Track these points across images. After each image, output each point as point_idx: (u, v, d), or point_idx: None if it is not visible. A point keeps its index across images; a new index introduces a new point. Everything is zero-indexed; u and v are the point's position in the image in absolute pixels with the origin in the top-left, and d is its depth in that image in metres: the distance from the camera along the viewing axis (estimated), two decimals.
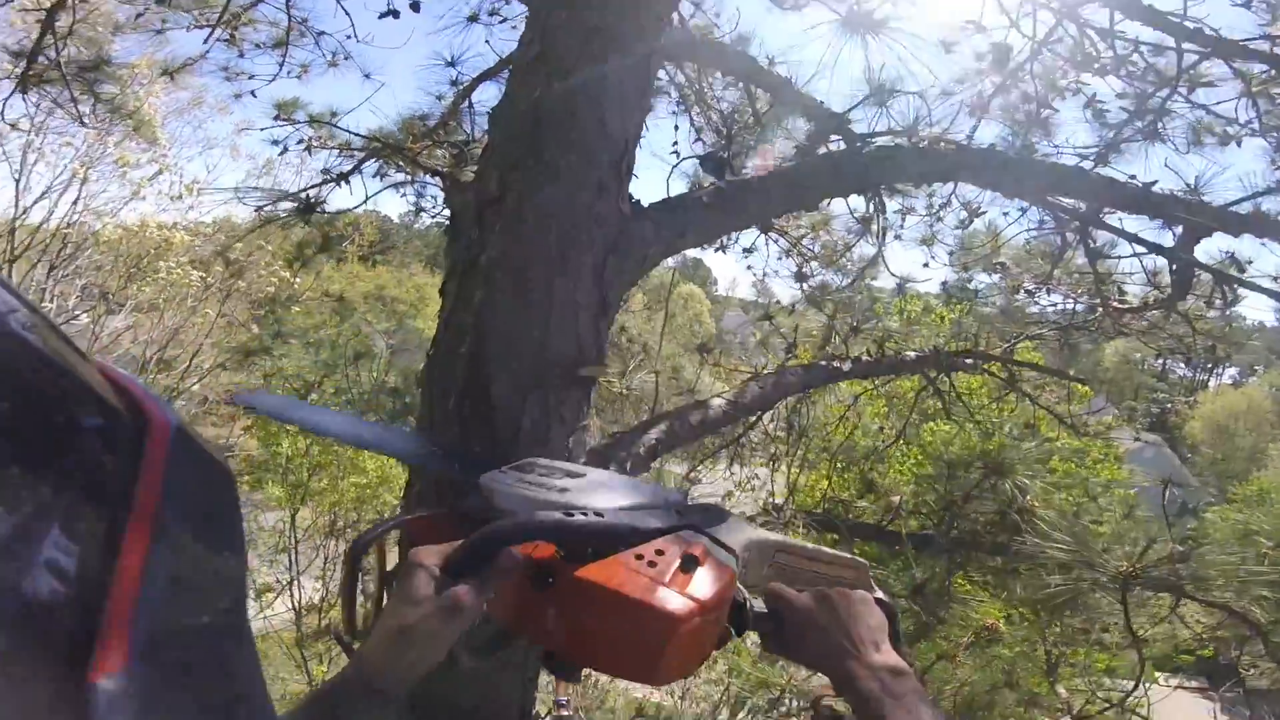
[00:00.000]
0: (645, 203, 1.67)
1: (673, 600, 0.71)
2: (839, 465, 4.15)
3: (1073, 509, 3.52)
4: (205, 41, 3.02)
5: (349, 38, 3.25)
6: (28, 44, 2.91)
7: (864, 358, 2.92)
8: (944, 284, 4.08)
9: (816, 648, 0.79)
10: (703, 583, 0.74)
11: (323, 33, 3.22)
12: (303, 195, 2.85)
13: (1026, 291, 3.63)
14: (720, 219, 1.77)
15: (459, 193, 1.76)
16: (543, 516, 0.78)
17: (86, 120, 3.34)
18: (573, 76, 1.46)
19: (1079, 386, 4.01)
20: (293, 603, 8.17)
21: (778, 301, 4.11)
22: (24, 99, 3.09)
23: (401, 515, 1.05)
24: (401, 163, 3.17)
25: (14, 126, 3.23)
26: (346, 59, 3.38)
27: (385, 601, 0.77)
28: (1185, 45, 2.21)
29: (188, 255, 9.55)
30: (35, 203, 8.70)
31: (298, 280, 9.40)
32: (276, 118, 3.24)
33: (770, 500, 3.29)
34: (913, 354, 3.21)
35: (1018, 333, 3.90)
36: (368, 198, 3.14)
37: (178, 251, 9.38)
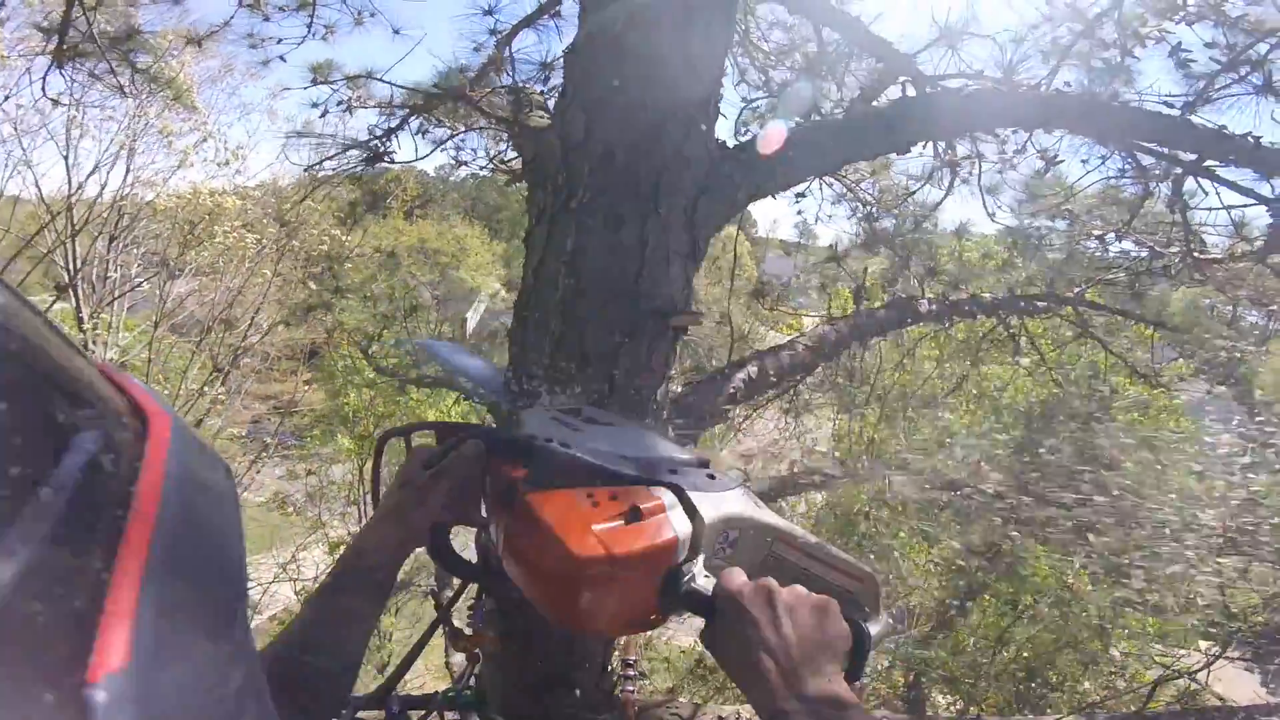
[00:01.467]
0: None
1: (581, 542, 0.69)
2: (908, 415, 4.05)
3: (1146, 467, 3.39)
4: (236, 5, 2.96)
5: None
6: (56, 19, 2.89)
7: (943, 300, 2.78)
8: (1008, 228, 3.86)
9: (741, 655, 0.65)
10: (629, 536, 0.71)
11: None
12: (371, 144, 2.80)
13: (1097, 238, 3.40)
14: (810, 160, 1.67)
15: (535, 137, 1.67)
16: (503, 433, 0.83)
17: (127, 90, 3.33)
18: (654, 10, 1.36)
19: (1146, 330, 3.80)
20: None
21: (833, 245, 3.98)
22: (61, 74, 3.02)
23: (430, 422, 1.07)
24: (443, 117, 3.11)
25: (56, 101, 3.23)
26: (372, 16, 3.29)
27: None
28: None
29: (240, 219, 9.73)
30: (88, 177, 8.86)
31: (348, 237, 9.54)
32: (313, 80, 3.19)
33: (836, 452, 3.24)
34: (989, 296, 3.06)
35: (1087, 277, 3.69)
36: (419, 156, 3.07)
37: (230, 216, 9.55)
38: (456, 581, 1.09)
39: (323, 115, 3.21)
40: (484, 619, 1.29)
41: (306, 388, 11.38)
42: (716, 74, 1.50)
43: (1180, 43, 2.51)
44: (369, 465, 0.92)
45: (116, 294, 9.06)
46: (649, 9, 1.37)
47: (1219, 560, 2.76)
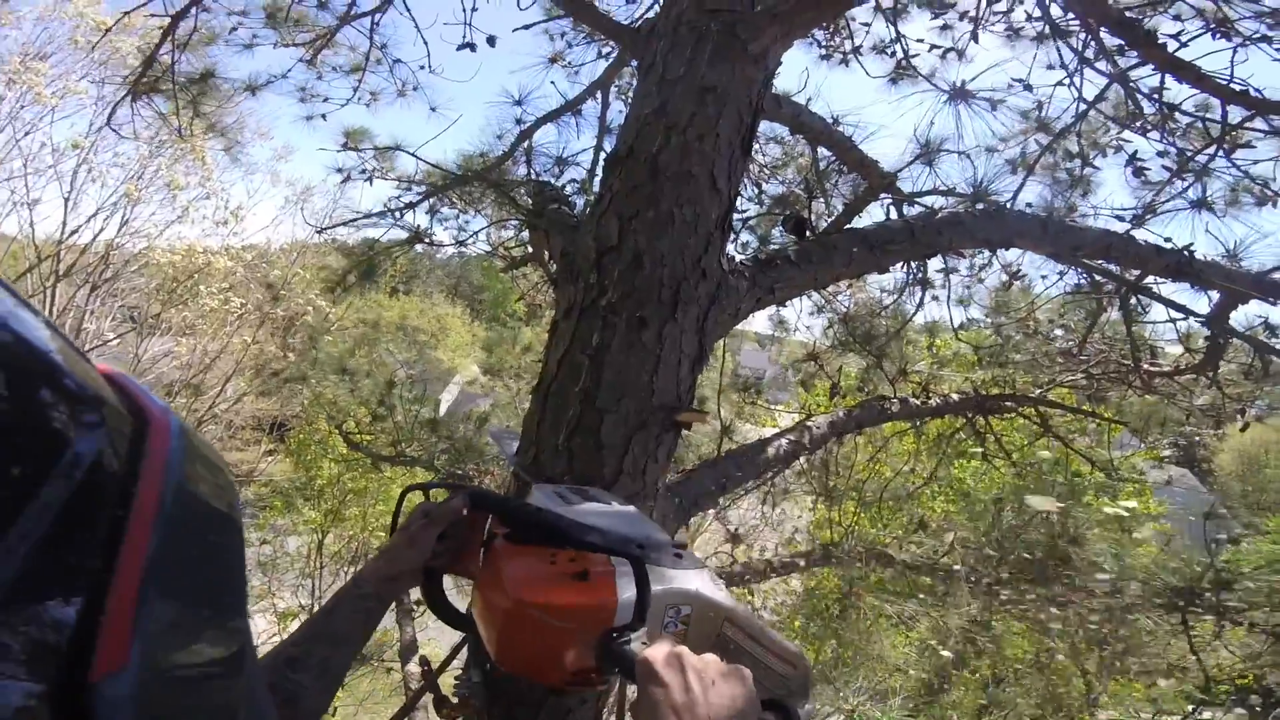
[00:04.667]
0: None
1: (525, 589, 0.77)
2: (872, 502, 4.21)
3: (1113, 543, 3.57)
4: (303, 60, 3.17)
5: (422, 68, 3.35)
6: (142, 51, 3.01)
7: (911, 400, 3.00)
8: (961, 325, 4.16)
9: (649, 717, 0.66)
10: (570, 590, 0.79)
11: (398, 60, 3.34)
12: (414, 226, 2.94)
13: (1061, 353, 3.70)
14: (805, 278, 1.85)
15: (567, 234, 1.83)
16: (491, 493, 0.92)
17: (183, 134, 3.42)
18: (688, 131, 1.56)
19: (1113, 426, 4.08)
20: None
21: (812, 345, 4.21)
22: (133, 106, 3.10)
23: (445, 480, 1.20)
24: (455, 199, 3.26)
25: (118, 133, 3.32)
26: (415, 90, 3.51)
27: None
28: (1230, 105, 2.32)
29: (226, 280, 9.78)
30: (86, 223, 8.92)
31: (331, 309, 9.64)
32: (345, 145, 3.34)
33: (810, 538, 3.35)
34: (956, 396, 3.30)
35: (1049, 379, 3.98)
36: (426, 238, 3.24)
37: (218, 277, 9.61)
38: (445, 650, 1.16)
39: (344, 182, 3.38)
40: (470, 689, 1.34)
41: (269, 459, 11.11)
42: (734, 192, 1.69)
43: (1136, 151, 2.89)
44: (394, 512, 1.04)
45: (88, 347, 8.93)
46: (686, 134, 1.58)
47: (1192, 625, 2.90)
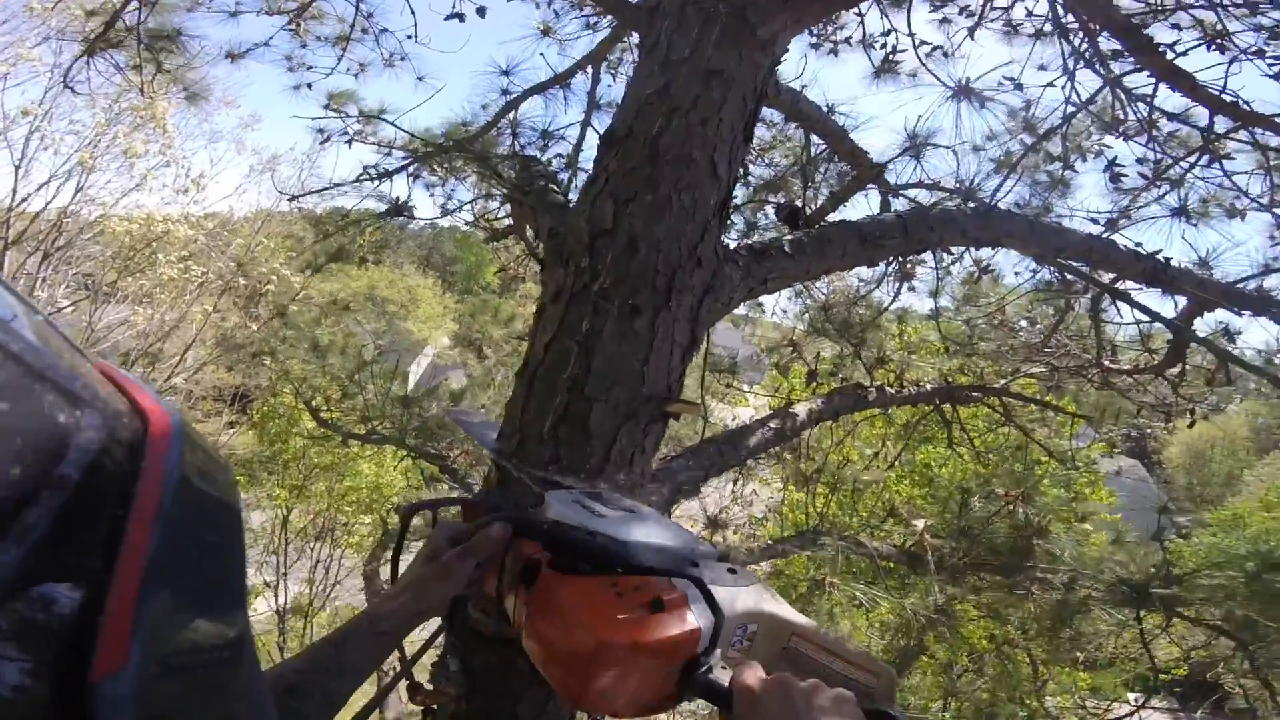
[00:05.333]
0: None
1: (606, 628, 0.72)
2: (854, 489, 4.32)
3: (1067, 533, 3.74)
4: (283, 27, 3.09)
5: (409, 38, 3.28)
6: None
7: (887, 388, 3.08)
8: (935, 313, 4.27)
9: None
10: (652, 626, 0.74)
11: (385, 30, 3.26)
12: (393, 198, 2.85)
13: (1025, 345, 3.80)
14: (799, 269, 1.84)
15: (556, 214, 1.77)
16: (529, 518, 0.86)
17: (144, 89, 3.33)
18: (691, 115, 1.53)
19: (1073, 418, 4.26)
20: (276, 604, 8.15)
21: (791, 330, 4.26)
22: (89, 63, 2.98)
23: (455, 496, 1.12)
24: (437, 167, 3.18)
25: (73, 90, 3.19)
26: (403, 60, 3.43)
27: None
28: (1218, 116, 2.38)
29: (186, 249, 9.48)
30: (37, 190, 8.56)
31: (296, 278, 9.40)
32: (327, 107, 3.26)
33: (808, 521, 3.44)
34: (929, 386, 3.40)
35: (1013, 369, 4.11)
36: (408, 212, 3.16)
37: (177, 245, 9.30)
38: (422, 635, 1.10)
39: (324, 142, 3.32)
40: (450, 676, 1.34)
41: (231, 430, 10.89)
42: (734, 179, 1.66)
43: (1116, 158, 2.95)
44: (397, 535, 0.91)
45: None
46: (689, 116, 1.54)
47: (1138, 617, 3.07)
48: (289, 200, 3.29)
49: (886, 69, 3.20)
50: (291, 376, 7.22)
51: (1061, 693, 5.05)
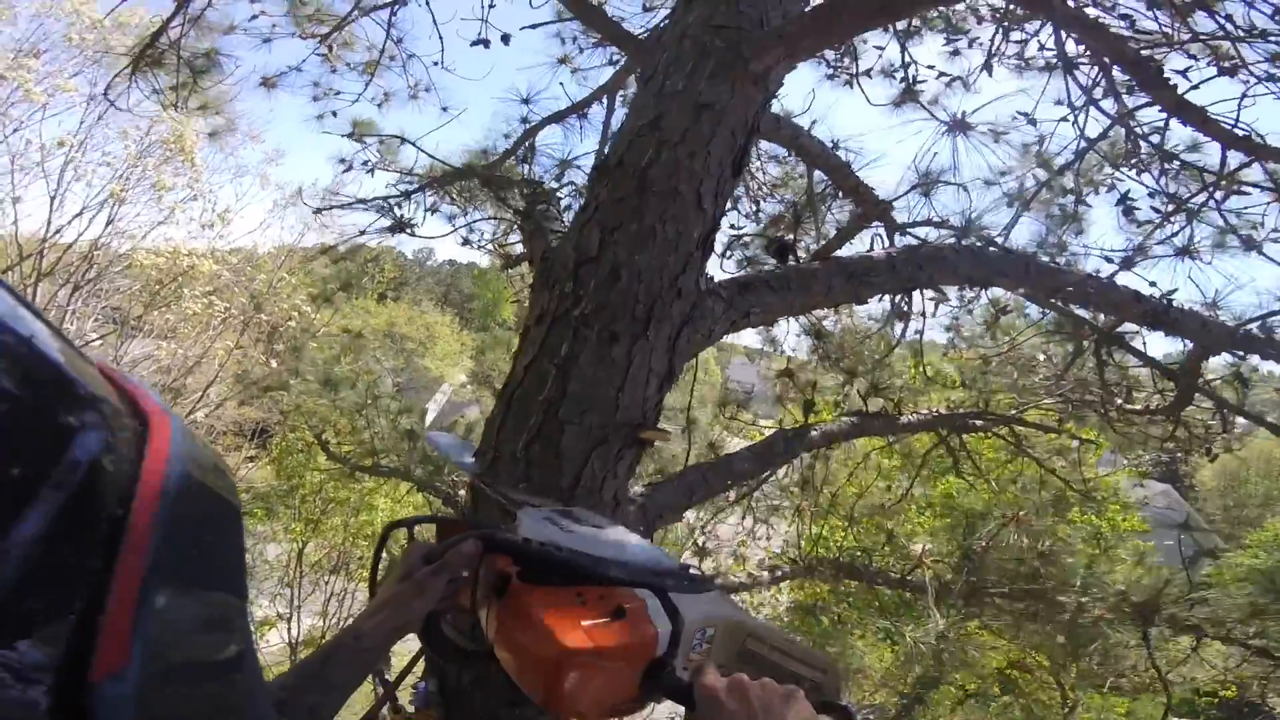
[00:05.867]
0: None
1: (571, 634, 0.77)
2: (855, 518, 4.29)
3: (1087, 559, 3.66)
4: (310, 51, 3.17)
5: (435, 64, 3.40)
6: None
7: (885, 414, 3.08)
8: (949, 345, 4.22)
9: None
10: (614, 631, 0.79)
11: (412, 55, 3.38)
12: (394, 214, 2.90)
13: (1045, 382, 3.73)
14: (783, 305, 1.86)
15: (547, 240, 1.82)
16: (501, 536, 0.89)
17: (178, 107, 3.43)
18: (680, 148, 1.57)
19: (1095, 447, 4.19)
20: (289, 636, 8.19)
21: (788, 358, 4.27)
22: (132, 79, 3.10)
23: (433, 514, 1.13)
24: (455, 195, 3.23)
25: (112, 104, 3.27)
26: (428, 91, 3.55)
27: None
28: (1230, 150, 2.36)
29: (211, 284, 9.72)
30: (70, 221, 8.83)
31: (316, 315, 9.65)
32: (351, 133, 3.36)
33: (795, 552, 3.42)
34: (927, 412, 3.39)
35: (1025, 401, 4.06)
36: (409, 229, 3.15)
37: (203, 280, 9.52)
38: (403, 659, 1.14)
39: (346, 170, 3.40)
40: (427, 699, 1.36)
41: (250, 464, 11.08)
42: (720, 212, 1.70)
43: (1129, 191, 2.94)
44: (374, 550, 0.96)
45: None
46: (678, 149, 1.58)
47: (1144, 636, 2.98)
48: (314, 212, 3.34)
49: (905, 100, 3.21)
50: (303, 410, 7.38)
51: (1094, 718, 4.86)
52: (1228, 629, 2.91)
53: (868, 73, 3.31)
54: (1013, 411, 3.84)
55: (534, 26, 3.28)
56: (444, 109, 3.61)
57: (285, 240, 11.33)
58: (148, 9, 8.65)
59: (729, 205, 3.37)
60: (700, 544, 3.42)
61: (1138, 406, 3.23)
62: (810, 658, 0.95)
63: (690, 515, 4.19)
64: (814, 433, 2.74)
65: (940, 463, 5.16)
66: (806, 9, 1.84)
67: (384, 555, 1.02)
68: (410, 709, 1.33)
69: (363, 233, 3.26)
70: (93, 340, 9.44)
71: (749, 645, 0.92)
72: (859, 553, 3.85)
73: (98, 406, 0.33)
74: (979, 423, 3.64)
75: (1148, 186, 2.91)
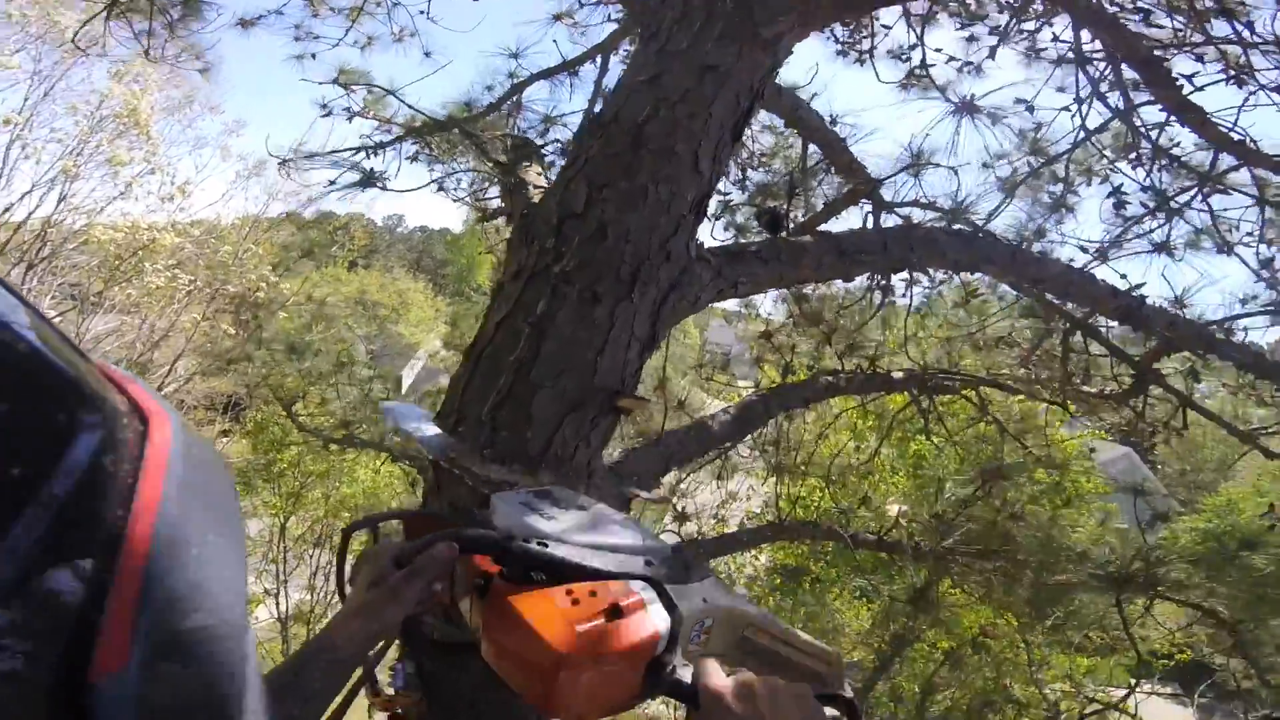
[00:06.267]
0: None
1: (566, 640, 0.73)
2: (832, 479, 4.39)
3: (1048, 517, 3.80)
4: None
5: (421, 12, 3.26)
6: None
7: (858, 373, 3.13)
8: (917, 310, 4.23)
9: None
10: (613, 634, 0.76)
11: (397, 3, 3.25)
12: (365, 168, 2.78)
13: (1002, 368, 3.80)
14: (771, 276, 1.82)
15: (526, 195, 1.75)
16: (480, 533, 0.85)
17: (151, 55, 3.21)
18: (679, 107, 1.50)
19: (1058, 403, 4.31)
20: (278, 611, 8.24)
21: (766, 321, 4.30)
22: (107, 24, 2.92)
23: (400, 510, 1.10)
24: (434, 146, 3.12)
25: (79, 48, 3.05)
26: (412, 35, 3.38)
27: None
28: (1223, 153, 2.40)
29: (174, 257, 9.46)
30: (20, 199, 8.53)
31: (286, 285, 9.46)
32: (336, 81, 3.20)
33: (774, 514, 3.49)
34: (900, 373, 3.45)
35: (991, 370, 4.11)
36: (380, 183, 2.92)
37: (164, 253, 9.27)
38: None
39: (325, 115, 3.25)
40: (405, 680, 1.32)
41: (224, 439, 10.96)
42: (716, 176, 1.64)
43: (1121, 185, 2.95)
44: (336, 555, 1.00)
45: None
46: (677, 108, 1.51)
47: (1125, 600, 3.12)
48: (280, 164, 3.12)
49: (912, 81, 3.17)
50: (269, 383, 7.26)
51: (1062, 678, 5.13)
52: (1182, 591, 3.03)
53: (871, 51, 3.23)
54: (982, 374, 3.91)
55: None
56: (427, 54, 3.46)
57: (249, 211, 11.04)
58: None
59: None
60: (679, 508, 3.47)
61: (1093, 390, 3.31)
62: (811, 648, 0.93)
63: (668, 479, 4.25)
64: (790, 392, 2.78)
65: (913, 424, 5.28)
66: None
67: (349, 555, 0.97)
68: (389, 690, 1.33)
69: (332, 183, 3.08)
70: (52, 318, 9.18)
71: (748, 635, 0.90)
72: (837, 513, 3.95)
73: (98, 406, 0.33)
74: (949, 382, 3.71)
75: (1138, 182, 2.94)
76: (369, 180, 2.72)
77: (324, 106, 3.20)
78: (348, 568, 1.00)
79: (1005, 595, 3.77)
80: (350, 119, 3.18)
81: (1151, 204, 2.93)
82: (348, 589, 0.94)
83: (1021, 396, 4.03)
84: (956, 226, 2.64)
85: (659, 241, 1.51)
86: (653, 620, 0.78)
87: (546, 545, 0.84)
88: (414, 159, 3.14)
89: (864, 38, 3.32)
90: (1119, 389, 3.10)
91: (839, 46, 3.38)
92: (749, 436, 3.72)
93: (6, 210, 8.54)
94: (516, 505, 0.96)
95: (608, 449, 2.13)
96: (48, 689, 0.27)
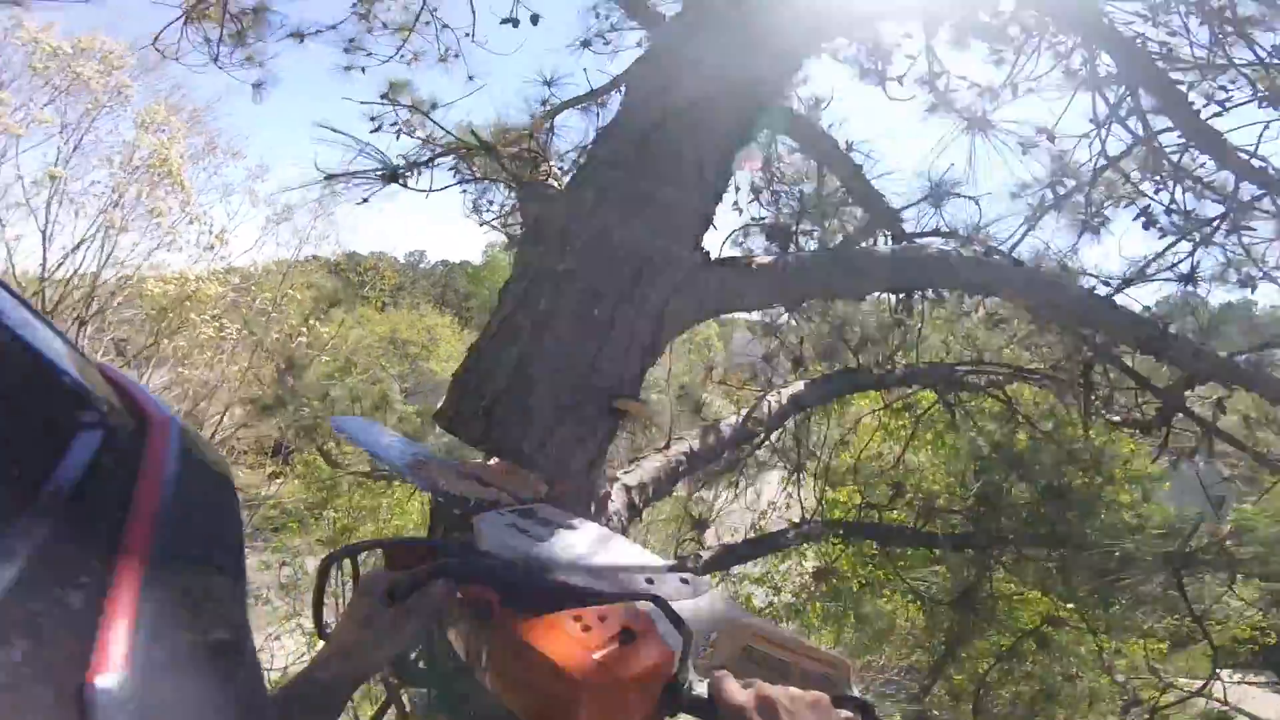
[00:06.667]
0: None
1: (585, 668, 0.72)
2: (860, 476, 4.32)
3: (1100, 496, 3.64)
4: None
5: (467, 35, 3.54)
6: None
7: (876, 368, 3.08)
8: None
9: None
10: (629, 659, 0.75)
11: (446, 25, 3.53)
12: (392, 164, 2.75)
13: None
14: (780, 290, 1.84)
15: (542, 200, 1.78)
16: (481, 561, 0.82)
17: (220, 61, 3.49)
18: (687, 116, 1.54)
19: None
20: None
21: (771, 319, 4.23)
22: (184, 29, 3.24)
23: (383, 538, 1.09)
24: (476, 164, 3.22)
25: (163, 54, 3.37)
26: (456, 56, 3.63)
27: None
28: (1244, 182, 2.36)
29: (217, 306, 9.69)
30: (66, 256, 8.76)
31: (325, 328, 9.71)
32: (384, 96, 3.35)
33: (804, 516, 3.44)
34: (924, 365, 3.39)
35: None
36: (401, 179, 3.10)
37: (209, 303, 9.49)
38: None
39: (375, 130, 3.33)
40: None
41: (277, 481, 11.31)
42: (722, 185, 1.68)
43: (1149, 206, 2.89)
44: (315, 585, 0.89)
45: None
46: (684, 116, 1.56)
47: (1187, 576, 2.97)
48: (326, 179, 3.32)
49: (935, 105, 3.18)
50: (301, 426, 7.45)
51: (1136, 667, 4.87)
52: (1265, 566, 2.91)
53: (890, 76, 3.23)
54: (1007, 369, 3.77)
55: None
56: (470, 78, 3.68)
57: (282, 255, 11.37)
58: (108, 32, 8.59)
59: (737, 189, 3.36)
60: (696, 515, 3.44)
61: (1117, 419, 3.22)
62: (816, 654, 0.93)
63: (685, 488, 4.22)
64: (804, 389, 2.77)
65: (942, 419, 5.16)
66: None
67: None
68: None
69: (351, 175, 3.05)
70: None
71: (753, 644, 0.91)
72: (870, 509, 3.88)
73: (98, 407, 0.34)
74: (974, 375, 3.62)
75: (1163, 204, 2.89)
76: (392, 176, 2.72)
77: (373, 119, 3.32)
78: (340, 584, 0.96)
79: (1063, 581, 3.64)
80: (398, 135, 3.30)
81: (1180, 226, 2.85)
82: (337, 620, 0.87)
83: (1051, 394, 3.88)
84: (968, 250, 2.58)
85: (662, 245, 1.54)
86: (665, 640, 0.78)
87: (549, 572, 0.82)
88: (455, 170, 3.22)
89: (884, 63, 3.31)
90: (1143, 417, 2.99)
91: (860, 70, 3.39)
92: (770, 439, 3.70)
93: (57, 267, 8.75)
94: (504, 527, 0.93)
95: (620, 462, 2.16)
96: (49, 687, 0.27)
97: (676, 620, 0.80)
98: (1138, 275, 2.84)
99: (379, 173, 2.56)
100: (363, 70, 3.50)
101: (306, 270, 11.25)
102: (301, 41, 3.44)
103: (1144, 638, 4.67)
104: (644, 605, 0.81)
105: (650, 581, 0.85)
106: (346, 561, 0.93)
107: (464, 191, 3.35)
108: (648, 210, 1.53)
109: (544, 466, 1.40)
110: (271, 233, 10.96)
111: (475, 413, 1.43)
